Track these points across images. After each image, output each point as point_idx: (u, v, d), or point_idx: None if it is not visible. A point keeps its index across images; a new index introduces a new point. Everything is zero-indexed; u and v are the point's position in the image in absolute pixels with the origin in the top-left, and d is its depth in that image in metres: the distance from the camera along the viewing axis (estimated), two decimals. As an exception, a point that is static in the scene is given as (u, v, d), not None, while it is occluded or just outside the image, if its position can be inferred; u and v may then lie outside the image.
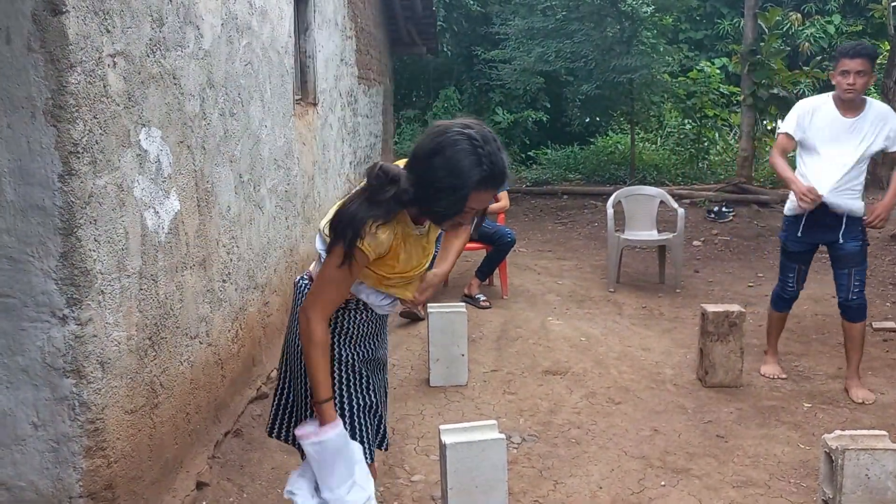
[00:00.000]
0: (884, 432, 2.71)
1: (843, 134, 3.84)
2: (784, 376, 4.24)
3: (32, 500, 2.25)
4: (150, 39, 2.56)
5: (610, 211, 6.38)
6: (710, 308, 4.17)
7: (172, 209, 2.74)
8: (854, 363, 4.03)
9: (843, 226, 3.89)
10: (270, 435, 2.36)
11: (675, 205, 6.44)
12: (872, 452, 2.59)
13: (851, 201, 3.86)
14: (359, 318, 2.18)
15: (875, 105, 3.89)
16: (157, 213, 2.62)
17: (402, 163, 2.05)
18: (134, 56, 2.44)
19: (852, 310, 3.96)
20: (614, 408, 3.91)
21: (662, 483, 3.15)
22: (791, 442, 3.51)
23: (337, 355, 2.16)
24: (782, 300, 4.18)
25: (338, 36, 6.31)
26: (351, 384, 2.19)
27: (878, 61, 4.30)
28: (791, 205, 4.03)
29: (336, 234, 1.95)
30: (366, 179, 1.96)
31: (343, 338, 2.18)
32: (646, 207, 6.59)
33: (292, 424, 2.27)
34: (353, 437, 2.14)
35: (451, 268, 2.51)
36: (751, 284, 6.48)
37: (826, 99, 3.94)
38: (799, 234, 3.98)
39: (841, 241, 3.89)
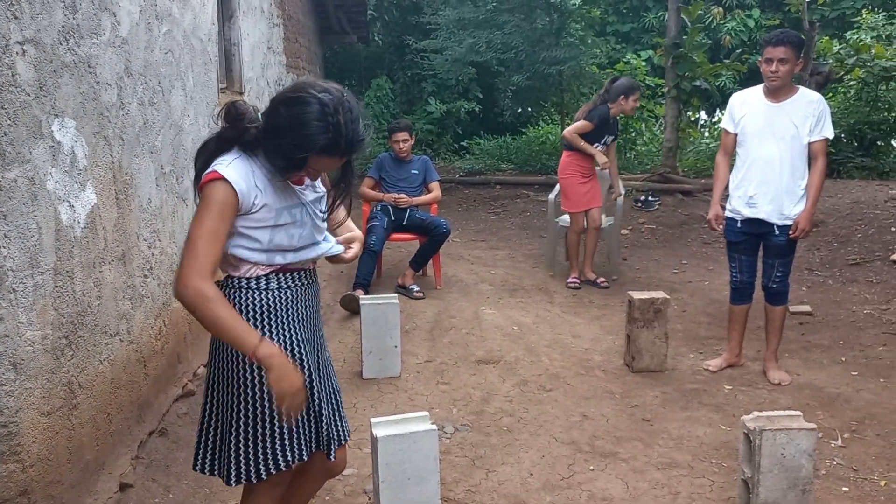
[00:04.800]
0: (798, 412, 2.83)
1: (773, 119, 3.92)
2: (713, 370, 4.27)
3: (-59, 510, 2.14)
4: (63, 26, 2.45)
5: (551, 198, 6.53)
6: (637, 295, 4.27)
7: (89, 202, 2.63)
8: (772, 346, 4.19)
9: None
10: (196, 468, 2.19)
11: (622, 190, 6.49)
12: (788, 432, 2.70)
13: (788, 213, 3.92)
14: (281, 289, 2.05)
15: (807, 92, 3.97)
16: (73, 206, 2.51)
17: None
18: (45, 44, 2.33)
19: (771, 294, 4.11)
20: (545, 395, 3.97)
21: (591, 467, 3.22)
22: (713, 423, 3.64)
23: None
24: (734, 291, 4.23)
25: (264, 23, 6.17)
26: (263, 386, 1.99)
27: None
28: (728, 209, 4.13)
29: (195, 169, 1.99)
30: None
31: (269, 319, 2.02)
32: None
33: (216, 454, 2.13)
34: (260, 448, 2.02)
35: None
36: (675, 271, 6.67)
37: (757, 89, 4.07)
38: (738, 226, 4.08)
39: (776, 233, 3.97)
